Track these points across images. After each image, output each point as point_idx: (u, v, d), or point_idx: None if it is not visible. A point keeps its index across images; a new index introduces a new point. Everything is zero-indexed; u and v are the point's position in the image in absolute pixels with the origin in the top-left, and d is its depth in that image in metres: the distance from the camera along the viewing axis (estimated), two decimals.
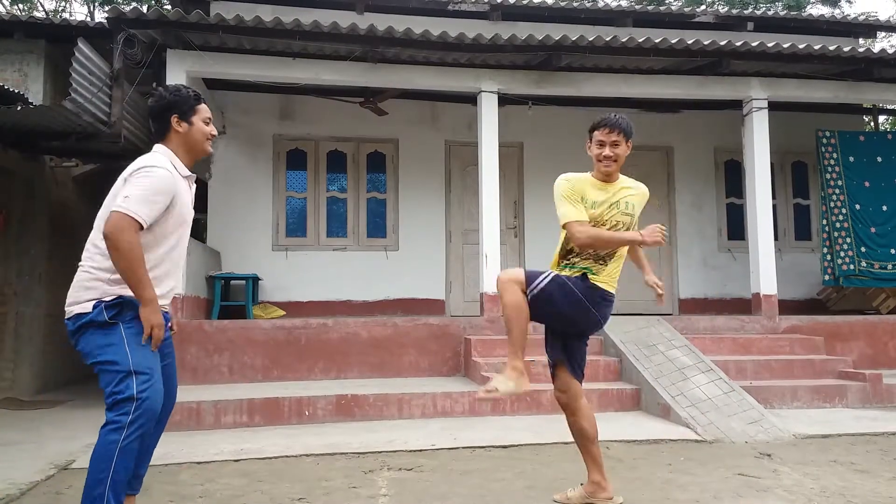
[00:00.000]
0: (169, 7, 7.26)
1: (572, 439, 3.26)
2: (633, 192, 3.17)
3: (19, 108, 5.41)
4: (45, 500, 3.42)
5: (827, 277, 8.17)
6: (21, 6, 16.78)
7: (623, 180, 3.19)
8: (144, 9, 6.20)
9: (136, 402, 2.50)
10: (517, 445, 4.46)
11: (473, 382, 5.90)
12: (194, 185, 2.95)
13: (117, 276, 2.57)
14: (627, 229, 3.09)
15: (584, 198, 3.08)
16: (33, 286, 7.06)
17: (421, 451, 4.33)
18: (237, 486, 3.61)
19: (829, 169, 8.19)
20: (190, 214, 2.87)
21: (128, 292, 2.58)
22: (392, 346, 6.44)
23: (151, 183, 2.59)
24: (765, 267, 7.14)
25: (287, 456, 4.22)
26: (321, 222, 8.45)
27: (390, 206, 8.62)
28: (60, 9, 18.19)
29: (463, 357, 6.48)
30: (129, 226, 2.52)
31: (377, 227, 8.59)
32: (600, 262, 3.10)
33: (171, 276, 2.79)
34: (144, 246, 2.59)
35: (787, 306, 8.16)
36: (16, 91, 5.67)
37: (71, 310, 2.63)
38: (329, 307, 8.13)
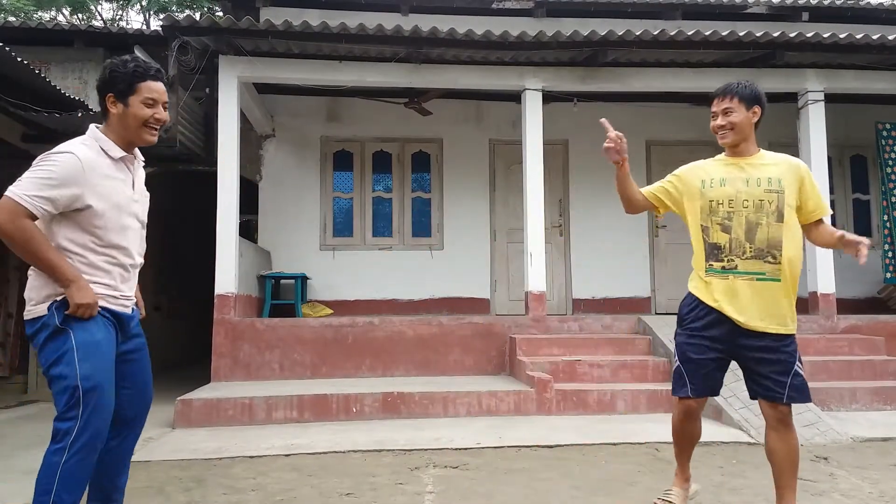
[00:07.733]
0: (220, 14, 7.45)
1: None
2: (776, 165, 2.91)
3: (80, 114, 5.66)
4: None
5: (888, 275, 7.87)
6: (80, 16, 17.49)
7: (765, 155, 2.97)
8: (197, 16, 6.39)
9: (79, 420, 2.28)
10: (563, 445, 4.43)
11: (518, 381, 5.89)
12: (141, 167, 2.60)
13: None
14: (778, 207, 2.80)
15: (703, 180, 3.00)
16: None
17: (466, 449, 4.36)
18: (288, 479, 3.70)
19: (890, 162, 7.90)
20: (131, 201, 2.47)
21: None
22: (437, 344, 6.49)
23: (51, 169, 2.28)
24: (822, 264, 6.89)
25: (336, 451, 4.30)
26: (367, 222, 8.56)
27: (435, 206, 8.66)
28: (118, 18, 18.88)
29: (508, 356, 6.47)
30: (14, 209, 2.22)
31: (422, 226, 8.65)
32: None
33: (115, 270, 2.44)
34: (81, 245, 2.35)
35: (846, 305, 7.86)
36: (76, 98, 5.92)
37: (27, 312, 2.38)
38: (375, 306, 8.23)
